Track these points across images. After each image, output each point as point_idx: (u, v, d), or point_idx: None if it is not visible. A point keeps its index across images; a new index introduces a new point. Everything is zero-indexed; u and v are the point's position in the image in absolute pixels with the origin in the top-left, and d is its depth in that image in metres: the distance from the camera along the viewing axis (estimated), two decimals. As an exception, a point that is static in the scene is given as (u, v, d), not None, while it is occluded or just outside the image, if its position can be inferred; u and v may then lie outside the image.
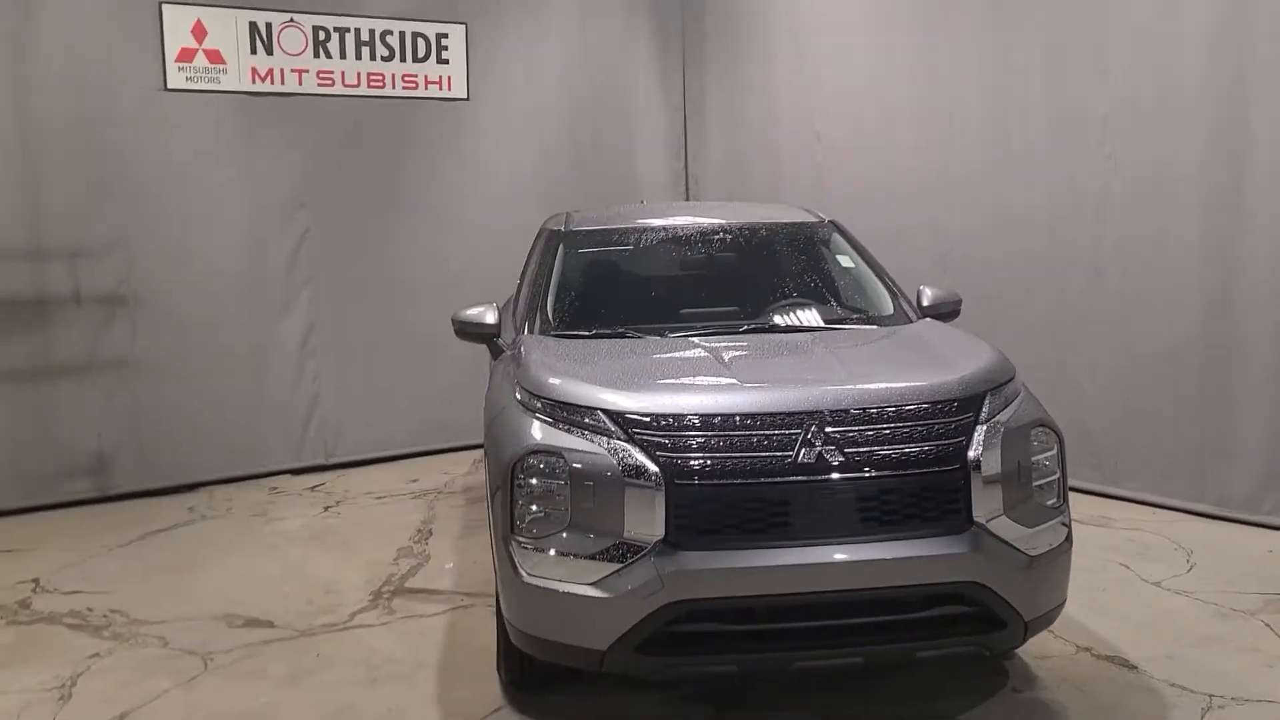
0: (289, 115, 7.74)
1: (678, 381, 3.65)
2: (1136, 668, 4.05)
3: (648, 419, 3.41)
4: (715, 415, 3.39)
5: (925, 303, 4.72)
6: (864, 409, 3.42)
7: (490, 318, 4.71)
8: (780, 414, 3.38)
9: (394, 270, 8.25)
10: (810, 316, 4.60)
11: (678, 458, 3.35)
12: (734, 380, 3.60)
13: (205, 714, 3.95)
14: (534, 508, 3.49)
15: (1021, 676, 4.02)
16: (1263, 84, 5.58)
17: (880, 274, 4.90)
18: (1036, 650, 4.12)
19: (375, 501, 7.03)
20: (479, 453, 8.25)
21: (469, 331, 4.79)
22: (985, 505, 3.39)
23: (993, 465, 3.41)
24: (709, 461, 3.34)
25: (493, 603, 4.88)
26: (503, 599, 3.64)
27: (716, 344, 4.10)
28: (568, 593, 3.39)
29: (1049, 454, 3.62)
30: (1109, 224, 6.35)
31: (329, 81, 7.88)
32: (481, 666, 4.27)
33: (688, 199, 9.60)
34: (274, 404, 7.83)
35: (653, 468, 3.34)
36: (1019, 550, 3.42)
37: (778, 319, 4.55)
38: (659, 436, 3.38)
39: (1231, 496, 5.88)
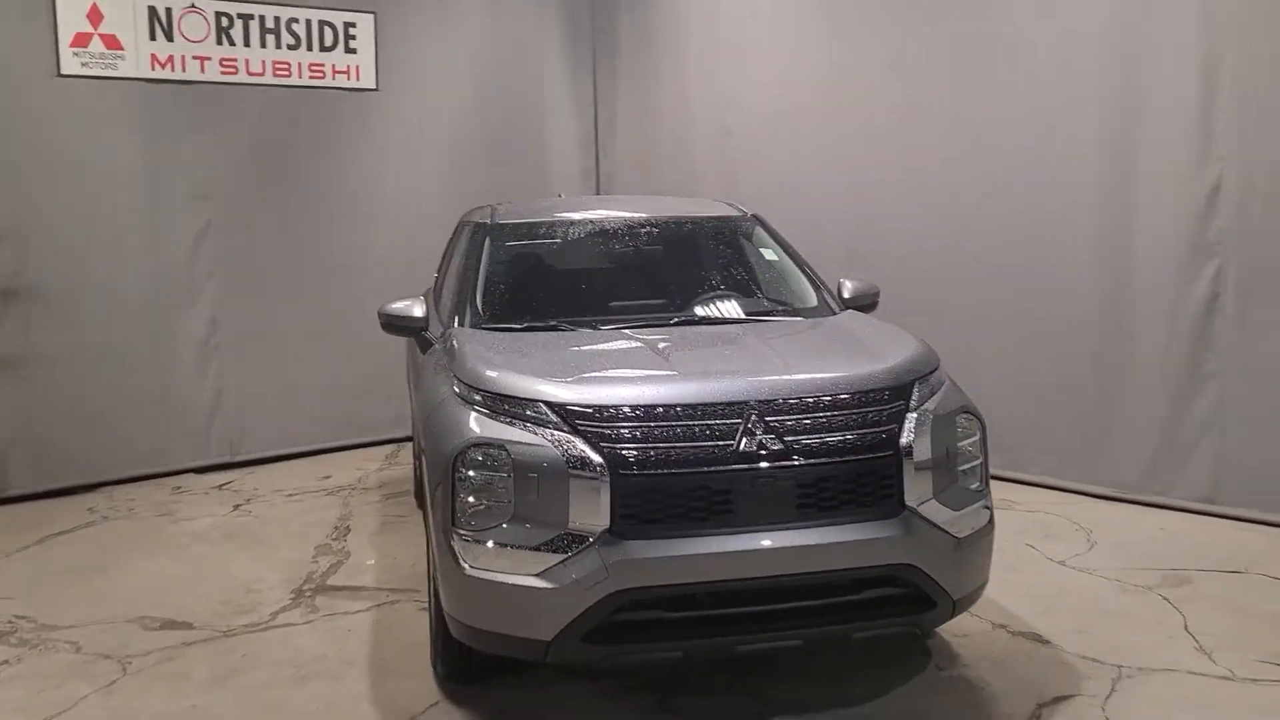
0: (191, 104, 7.51)
1: (619, 373, 3.68)
2: (1050, 642, 4.25)
3: (592, 410, 3.44)
4: (658, 406, 3.44)
5: (846, 295, 4.84)
6: (801, 398, 3.51)
7: (418, 311, 4.66)
8: (722, 404, 3.45)
9: (301, 263, 8.08)
10: (738, 308, 4.69)
11: (622, 448, 3.38)
12: (674, 371, 3.65)
13: (127, 718, 3.83)
14: (476, 500, 3.49)
15: (944, 655, 4.17)
16: (1151, 85, 5.88)
17: (803, 267, 5.01)
18: (956, 629, 4.28)
19: (287, 499, 6.88)
20: (392, 448, 8.20)
21: (396, 325, 4.72)
22: (916, 490, 3.52)
23: (923, 451, 3.54)
24: (653, 452, 3.38)
25: (421, 598, 4.89)
26: (443, 592, 3.62)
27: (650, 336, 4.15)
28: (512, 584, 3.39)
29: (973, 440, 3.77)
30: (1008, 216, 6.61)
31: (232, 70, 7.67)
32: (414, 662, 4.24)
33: (598, 193, 9.63)
34: (176, 400, 7.60)
35: (597, 459, 3.37)
36: (947, 532, 3.55)
37: (706, 311, 4.63)
38: (603, 428, 3.41)
39: (1125, 479, 6.19)
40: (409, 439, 8.20)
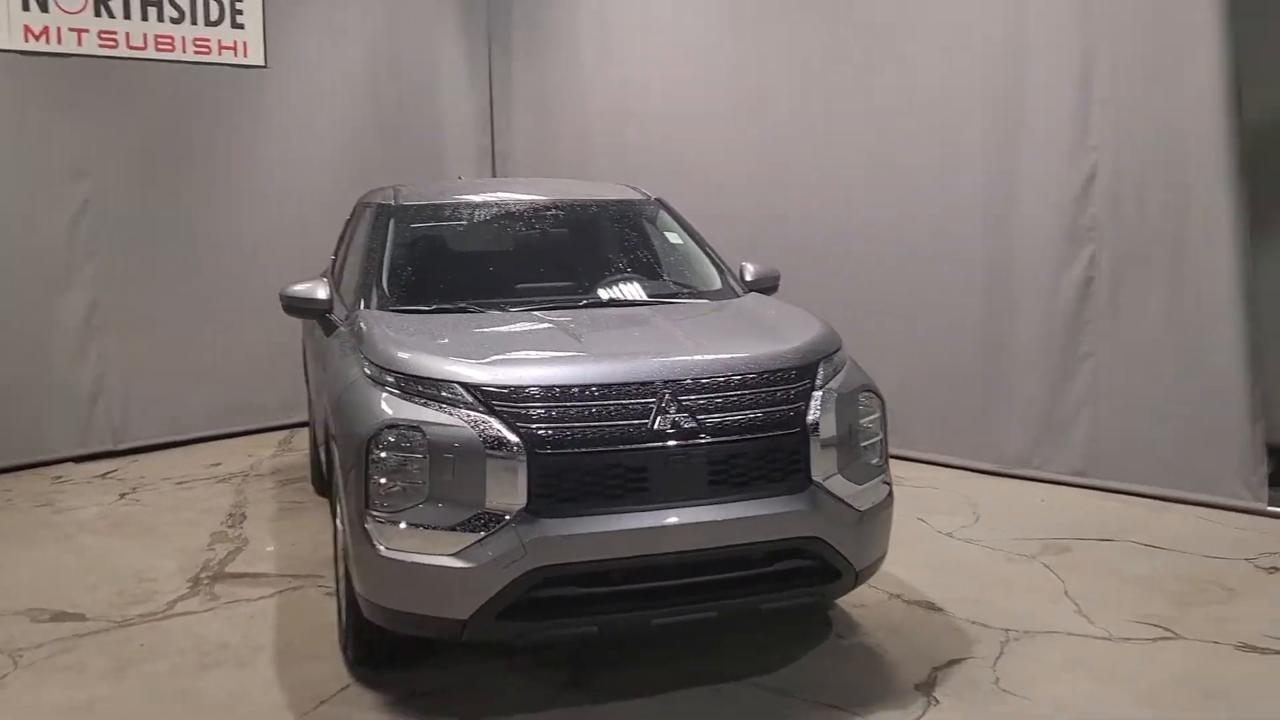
0: (67, 78, 7.21)
1: (535, 354, 3.71)
2: (942, 610, 4.46)
3: (508, 391, 3.47)
4: (574, 386, 3.49)
5: (748, 278, 4.96)
6: (712, 378, 3.60)
7: (321, 293, 4.60)
8: (636, 384, 3.52)
9: (187, 244, 7.85)
10: (645, 291, 4.75)
11: (539, 428, 3.42)
12: (588, 352, 3.70)
13: (23, 713, 3.71)
14: (391, 481, 3.48)
15: (844, 624, 4.34)
16: (1034, 78, 6.15)
17: (706, 250, 5.11)
18: (855, 599, 4.43)
19: (176, 487, 6.70)
20: (283, 434, 8.04)
21: (298, 307, 4.66)
22: (821, 466, 3.65)
23: (828, 429, 3.67)
24: (569, 431, 3.43)
25: (325, 583, 4.85)
26: (356, 574, 3.61)
27: (560, 318, 4.18)
28: (428, 564, 3.41)
29: (873, 417, 3.93)
30: (901, 205, 6.84)
31: (112, 43, 7.38)
32: (322, 646, 4.21)
33: (494, 174, 9.58)
34: (54, 387, 7.31)
35: (514, 439, 3.40)
36: (850, 506, 3.70)
37: (614, 293, 4.68)
38: (519, 408, 3.44)
39: (1007, 454, 6.49)
40: (303, 424, 8.05)
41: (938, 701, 3.64)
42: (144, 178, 7.59)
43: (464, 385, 3.51)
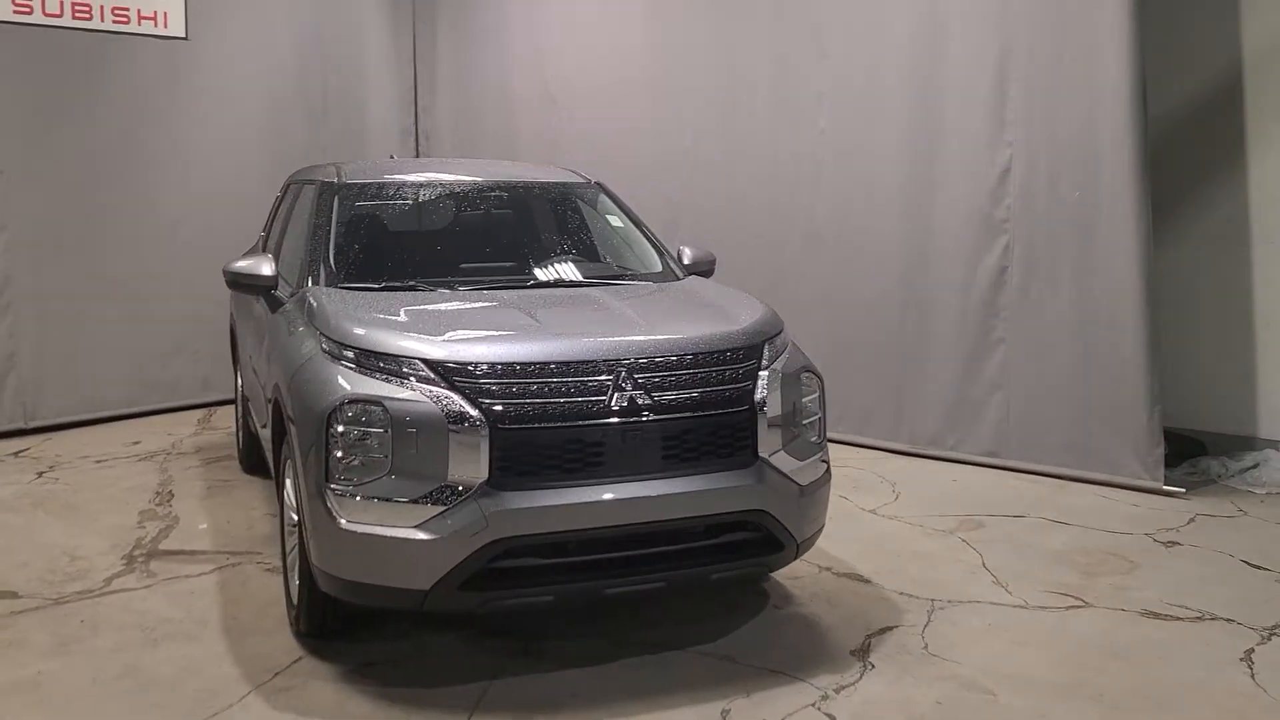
0: (-21, 43, 6.99)
1: (494, 332, 3.78)
2: (870, 581, 4.68)
3: (470, 367, 3.55)
4: (535, 364, 3.58)
5: (686, 261, 5.10)
6: (667, 357, 3.73)
7: (267, 269, 4.60)
8: (595, 362, 3.63)
9: (104, 217, 7.68)
10: (589, 272, 4.87)
11: (500, 404, 3.51)
12: (545, 330, 3.80)
13: (-32, 689, 3.67)
14: (351, 455, 3.53)
15: (779, 595, 4.53)
16: (954, 73, 6.43)
17: (647, 234, 5.24)
18: (788, 572, 4.62)
19: (96, 466, 6.58)
20: (202, 412, 7.94)
21: (243, 283, 4.65)
22: (767, 442, 3.81)
23: (774, 407, 3.84)
24: (530, 407, 3.53)
25: (263, 560, 4.88)
26: (314, 547, 3.65)
27: (510, 296, 4.27)
28: (390, 536, 3.47)
29: (814, 397, 4.11)
30: (823, 191, 7.08)
31: (26, 9, 7.20)
32: (268, 621, 4.23)
33: (418, 153, 9.55)
34: (-38, 363, 7.11)
35: (476, 414, 3.48)
36: (793, 481, 3.87)
37: (560, 274, 4.79)
38: (481, 384, 3.53)
39: (922, 435, 6.79)
40: (225, 402, 7.98)
41: (873, 666, 3.85)
42: (58, 149, 7.40)
43: (425, 361, 3.58)
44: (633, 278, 4.86)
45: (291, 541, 4.16)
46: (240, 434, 6.47)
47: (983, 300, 6.48)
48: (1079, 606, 4.40)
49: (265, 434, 4.82)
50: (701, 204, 7.62)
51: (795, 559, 4.03)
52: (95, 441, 7.16)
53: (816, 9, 7.01)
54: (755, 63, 7.34)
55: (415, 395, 3.52)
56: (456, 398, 3.51)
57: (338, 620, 3.95)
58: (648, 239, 5.21)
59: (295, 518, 4.05)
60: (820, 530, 4.14)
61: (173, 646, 4.01)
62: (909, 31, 6.62)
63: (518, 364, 3.58)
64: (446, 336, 3.69)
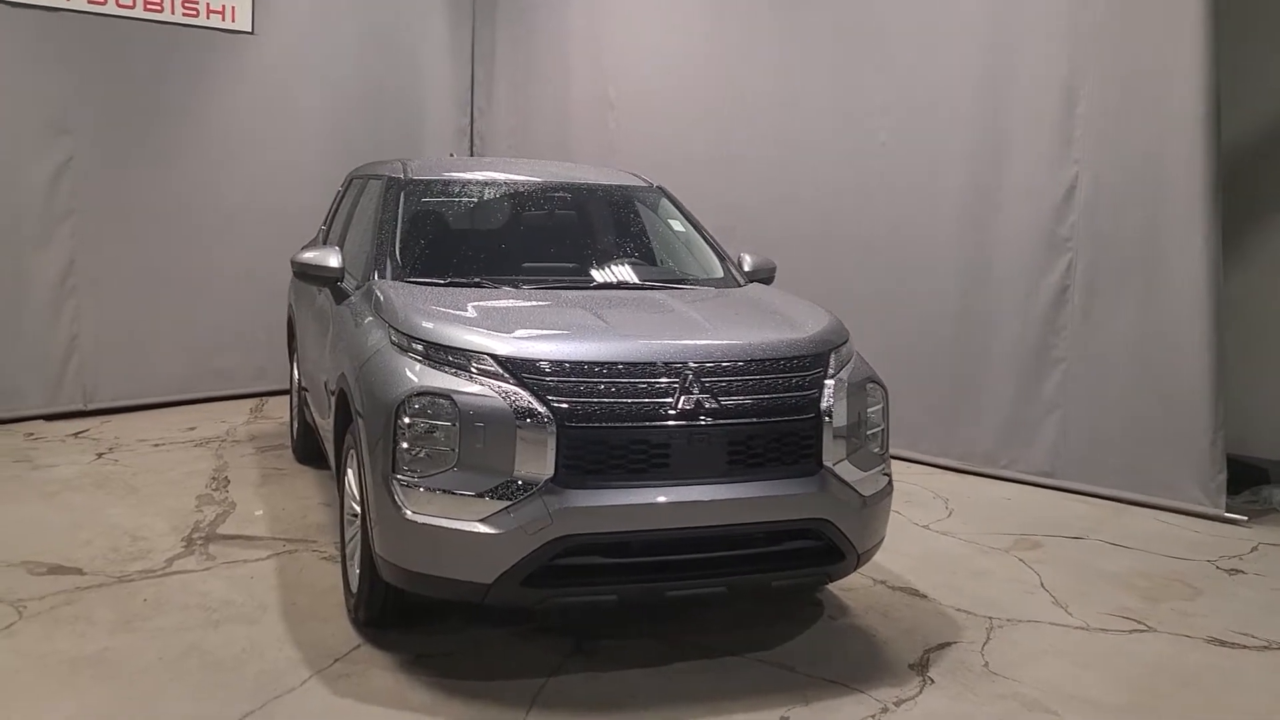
0: (55, 32, 7.15)
1: (563, 330, 3.80)
2: (926, 596, 4.64)
3: (539, 364, 3.56)
4: (605, 363, 3.59)
5: (747, 268, 5.09)
6: (734, 362, 3.73)
7: (333, 261, 4.65)
8: (664, 363, 3.63)
9: (167, 206, 7.80)
10: (651, 275, 4.88)
11: (567, 402, 3.52)
12: (614, 330, 3.80)
13: (37, 661, 3.72)
14: (419, 447, 3.55)
15: (834, 606, 4.50)
16: (1019, 89, 6.38)
17: (708, 239, 5.24)
18: (842, 584, 4.59)
19: (154, 449, 6.67)
20: (255, 401, 8.03)
21: (310, 274, 4.71)
22: (832, 451, 3.79)
23: (840, 416, 3.82)
24: (598, 406, 3.53)
25: (319, 548, 4.94)
26: (378, 537, 3.67)
27: (576, 296, 4.29)
28: (455, 529, 3.49)
29: (878, 408, 4.08)
30: (880, 204, 7.04)
31: (100, 0, 7.30)
32: (326, 608, 4.27)
33: (472, 155, 9.61)
34: (27, 344, 7.26)
35: (544, 411, 3.49)
36: (856, 491, 3.85)
37: (623, 276, 4.80)
38: (550, 381, 3.54)
39: (974, 452, 6.73)
40: (277, 393, 8.07)
41: (933, 681, 3.81)
42: (126, 138, 7.53)
43: (494, 356, 3.60)
44: (695, 282, 4.86)
45: (351, 531, 4.20)
46: (295, 424, 6.53)
47: (1042, 318, 6.41)
48: (1142, 631, 4.33)
49: (326, 424, 4.86)
50: (756, 211, 7.59)
51: (855, 570, 4.00)
52: (152, 426, 7.27)
53: (879, 20, 6.98)
54: (815, 72, 7.32)
55: (484, 390, 3.54)
56: (525, 394, 3.52)
57: (396, 611, 3.97)
58: (709, 244, 5.20)
59: (356, 508, 4.09)
60: (880, 542, 4.11)
61: (234, 628, 4.05)
62: (974, 46, 6.57)
63: (587, 363, 3.58)
64: (516, 333, 3.70)
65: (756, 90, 7.63)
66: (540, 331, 3.76)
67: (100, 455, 6.48)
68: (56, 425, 7.15)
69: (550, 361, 3.57)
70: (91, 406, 7.50)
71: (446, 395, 3.55)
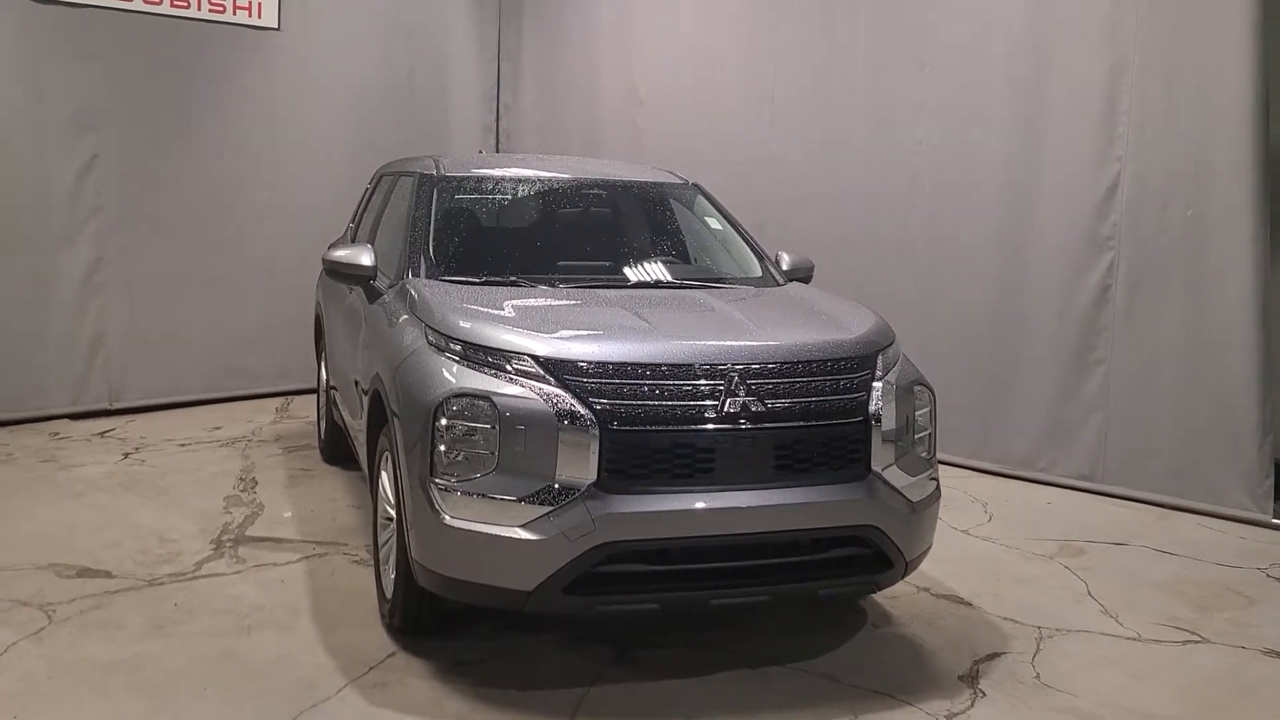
0: (81, 28, 7.10)
1: (605, 330, 3.70)
2: (971, 604, 4.53)
3: (582, 365, 3.46)
4: (649, 364, 3.49)
5: (785, 266, 4.98)
6: (780, 364, 3.62)
7: (366, 259, 4.56)
8: (708, 365, 3.53)
9: (193, 203, 7.75)
10: (688, 274, 4.79)
11: (611, 404, 3.42)
12: (658, 331, 3.70)
13: (69, 666, 3.65)
14: (458, 450, 3.46)
15: (877, 614, 4.39)
16: (1060, 86, 6.24)
17: (745, 237, 5.13)
18: (885, 591, 4.46)
19: (180, 449, 6.62)
20: (280, 401, 7.97)
21: (342, 272, 4.63)
22: (881, 456, 3.68)
23: (888, 420, 3.71)
24: (642, 409, 3.43)
25: (350, 551, 4.85)
26: (415, 542, 3.58)
27: (615, 295, 4.19)
28: (495, 534, 3.40)
29: (925, 411, 3.97)
30: (916, 203, 6.92)
31: (126, -6, 7.27)
32: (359, 613, 4.18)
33: (498, 151, 9.52)
34: (53, 342, 7.21)
35: (586, 413, 3.39)
36: (905, 497, 3.74)
37: (660, 275, 4.69)
38: (593, 383, 3.44)
39: (1012, 455, 6.59)
40: (301, 392, 8.02)
41: (984, 694, 3.70)
42: (152, 135, 7.48)
43: (535, 357, 3.50)
44: (733, 281, 4.75)
45: (385, 535, 4.12)
46: (322, 424, 6.45)
47: (1083, 319, 6.27)
48: (1196, 641, 4.20)
49: (357, 425, 4.78)
50: (788, 209, 7.48)
51: (903, 578, 3.89)
52: (177, 425, 7.21)
53: (916, 16, 6.85)
54: (851, 69, 7.20)
55: (524, 391, 3.44)
56: (567, 396, 3.42)
57: (432, 617, 3.88)
58: (746, 243, 5.10)
59: (390, 511, 4.01)
60: (928, 550, 3.99)
61: (267, 634, 3.97)
62: (1014, 43, 6.43)
63: (631, 364, 3.48)
64: (557, 333, 3.61)
65: (789, 87, 7.51)
66: (582, 332, 3.66)
67: (127, 455, 6.43)
68: (81, 424, 7.11)
69: (593, 363, 3.47)
70: (117, 405, 7.46)
71: (485, 397, 3.45)
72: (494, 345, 3.57)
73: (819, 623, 4.24)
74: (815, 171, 7.39)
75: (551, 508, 3.37)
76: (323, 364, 6.43)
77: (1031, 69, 6.37)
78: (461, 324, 3.72)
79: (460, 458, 3.47)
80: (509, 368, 3.51)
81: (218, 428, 7.19)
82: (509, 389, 3.46)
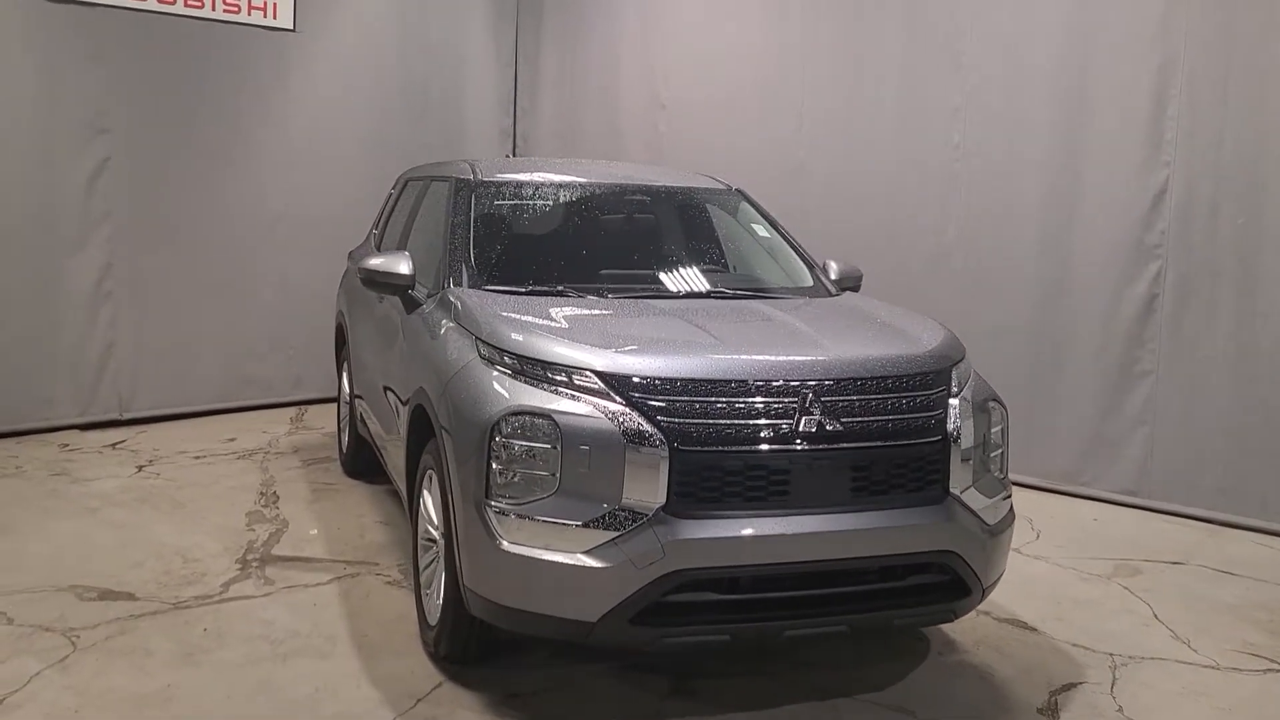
0: (93, 28, 6.89)
1: (668, 343, 3.49)
2: (1036, 629, 4.33)
3: (650, 382, 3.26)
4: (720, 380, 3.29)
5: (834, 275, 4.77)
6: (855, 379, 3.42)
7: (404, 268, 4.34)
8: (782, 381, 3.33)
9: (206, 209, 7.53)
10: (738, 283, 4.60)
11: (680, 423, 3.22)
12: (726, 345, 3.50)
13: (97, 698, 3.44)
14: (516, 471, 3.26)
15: (940, 641, 4.19)
16: (1104, 89, 6.07)
17: (793, 244, 4.94)
18: (944, 615, 4.29)
19: (195, 461, 6.39)
20: (294, 411, 7.76)
21: (379, 282, 4.40)
22: (959, 477, 3.49)
23: (967, 438, 3.52)
24: (713, 428, 3.23)
25: (381, 571, 4.65)
26: (469, 567, 3.38)
27: (669, 306, 4.00)
28: (556, 561, 3.19)
29: (999, 429, 3.78)
30: (952, 210, 6.73)
31: (140, -8, 7.05)
32: (399, 639, 3.98)
33: (514, 154, 9.32)
34: (61, 351, 6.98)
35: (655, 433, 3.19)
36: (982, 520, 3.54)
37: (709, 284, 4.49)
38: (662, 400, 3.24)
39: (1054, 469, 6.40)
40: (316, 401, 7.82)
41: (1068, 727, 3.51)
42: (164, 138, 7.27)
43: (598, 373, 3.30)
44: (785, 291, 4.55)
45: (427, 558, 3.91)
46: (344, 436, 6.24)
47: (1128, 330, 6.09)
48: (1277, 670, 4.01)
49: (392, 439, 4.58)
50: (817, 218, 7.25)
51: (978, 605, 3.69)
52: (191, 436, 6.99)
53: (951, 16, 6.67)
54: (882, 72, 7.02)
55: (588, 409, 3.24)
56: (634, 414, 3.22)
57: (481, 646, 3.67)
58: (795, 250, 4.91)
59: (433, 531, 3.81)
60: (1002, 575, 3.80)
61: (304, 663, 3.76)
62: (1055, 43, 6.26)
63: (701, 380, 3.28)
64: (620, 348, 3.40)
65: (818, 91, 7.32)
66: (645, 345, 3.45)
67: (140, 468, 6.20)
68: (91, 435, 6.89)
69: (661, 379, 3.27)
70: (127, 416, 7.23)
71: (546, 415, 3.25)
72: (551, 360, 3.37)
73: (880, 650, 4.04)
74: (843, 179, 7.20)
75: (618, 533, 3.17)
76: (345, 374, 6.21)
77: (1073, 70, 6.19)
78: (514, 336, 3.52)
79: (518, 479, 3.27)
80: (570, 383, 3.31)
81: (232, 439, 6.97)
82: (571, 406, 3.25)
